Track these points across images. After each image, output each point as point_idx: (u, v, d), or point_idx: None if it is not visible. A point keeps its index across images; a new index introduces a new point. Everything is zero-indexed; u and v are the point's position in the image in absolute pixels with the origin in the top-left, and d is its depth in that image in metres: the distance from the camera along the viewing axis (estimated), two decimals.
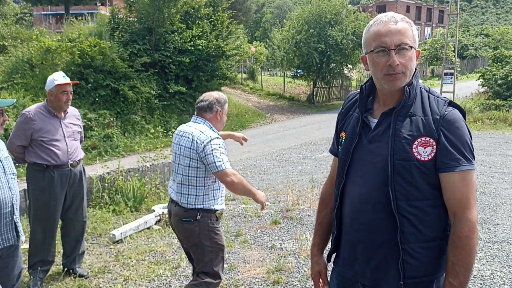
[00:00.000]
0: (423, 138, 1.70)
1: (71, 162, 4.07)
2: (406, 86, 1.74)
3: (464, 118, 1.77)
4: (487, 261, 4.55)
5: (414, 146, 1.70)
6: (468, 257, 1.68)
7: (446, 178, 1.70)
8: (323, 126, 17.13)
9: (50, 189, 3.97)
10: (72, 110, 4.23)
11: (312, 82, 26.00)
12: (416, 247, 1.72)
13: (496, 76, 19.42)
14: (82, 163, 4.31)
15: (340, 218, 1.91)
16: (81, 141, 4.34)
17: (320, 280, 2.06)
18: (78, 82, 10.15)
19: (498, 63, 21.35)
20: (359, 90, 1.91)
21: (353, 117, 1.91)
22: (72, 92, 4.08)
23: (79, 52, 15.10)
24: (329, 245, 2.07)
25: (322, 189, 2.16)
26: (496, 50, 27.32)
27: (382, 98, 1.83)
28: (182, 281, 4.18)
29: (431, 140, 1.69)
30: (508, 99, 18.07)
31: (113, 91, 15.79)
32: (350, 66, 26.30)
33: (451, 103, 1.76)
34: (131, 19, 18.43)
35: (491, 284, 4.05)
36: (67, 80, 4.02)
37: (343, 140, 1.91)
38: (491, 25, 63.48)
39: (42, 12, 44.57)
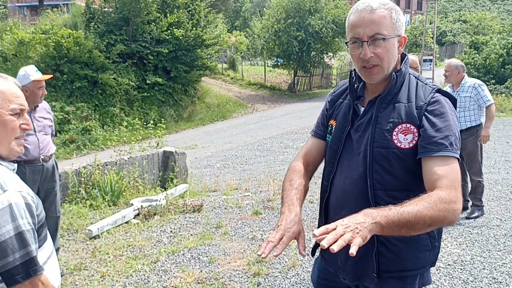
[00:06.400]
0: (404, 125, 1.61)
1: (42, 157, 3.99)
2: (394, 73, 1.66)
3: (454, 106, 1.66)
4: (467, 246, 4.56)
5: (394, 133, 1.62)
6: (431, 212, 1.39)
7: (427, 162, 1.55)
8: (304, 115, 17.10)
9: None
10: (43, 104, 4.12)
11: (293, 71, 25.94)
12: (392, 240, 1.64)
13: (474, 60, 19.63)
14: (54, 158, 4.21)
15: (327, 210, 1.82)
16: (52, 135, 4.23)
17: (299, 241, 1.57)
18: (53, 76, 9.89)
19: (475, 50, 21.52)
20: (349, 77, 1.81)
21: (343, 104, 1.82)
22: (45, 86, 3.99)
23: (53, 44, 14.74)
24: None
25: (291, 164, 1.88)
26: (474, 36, 27.56)
27: (370, 85, 1.74)
28: (161, 276, 4.09)
29: (412, 127, 1.60)
30: (487, 83, 18.25)
31: (90, 83, 15.47)
32: (330, 54, 26.30)
33: (440, 91, 1.67)
34: (106, 9, 18.04)
35: (471, 269, 4.05)
36: (41, 75, 3.92)
37: (333, 129, 1.82)
38: (468, 11, 63.99)
39: (17, 4, 43.52)
